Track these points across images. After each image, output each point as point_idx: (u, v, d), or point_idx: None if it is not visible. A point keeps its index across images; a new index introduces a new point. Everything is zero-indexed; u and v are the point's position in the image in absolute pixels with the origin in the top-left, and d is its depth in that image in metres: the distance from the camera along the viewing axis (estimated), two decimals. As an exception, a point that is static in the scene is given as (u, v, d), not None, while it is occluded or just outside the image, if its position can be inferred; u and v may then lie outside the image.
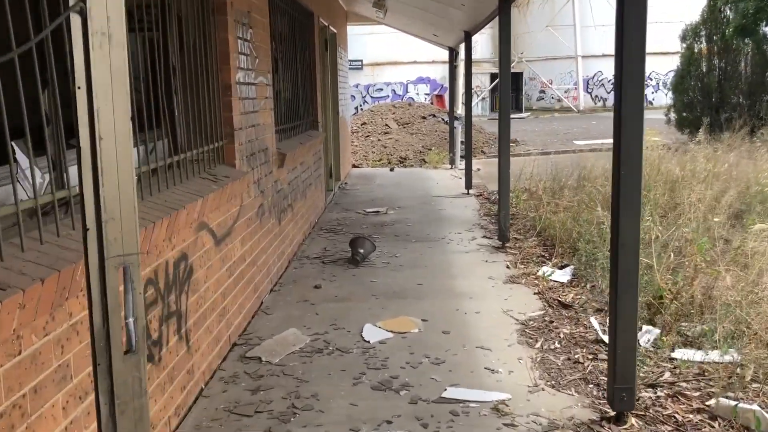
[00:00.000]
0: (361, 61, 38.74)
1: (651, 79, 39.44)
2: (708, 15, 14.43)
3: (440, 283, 6.11)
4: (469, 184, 11.28)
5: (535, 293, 5.76)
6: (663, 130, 18.01)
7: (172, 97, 4.11)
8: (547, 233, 7.47)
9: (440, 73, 39.68)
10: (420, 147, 17.21)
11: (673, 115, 15.59)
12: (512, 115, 32.03)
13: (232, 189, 4.56)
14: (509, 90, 7.36)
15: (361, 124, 19.03)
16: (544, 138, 21.37)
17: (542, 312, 5.28)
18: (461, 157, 15.16)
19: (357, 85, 39.02)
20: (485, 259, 6.93)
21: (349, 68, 38.57)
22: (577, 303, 5.45)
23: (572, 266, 6.29)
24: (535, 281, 6.09)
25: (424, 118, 19.15)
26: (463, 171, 12.83)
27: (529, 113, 38.75)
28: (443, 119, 19.20)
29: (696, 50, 14.79)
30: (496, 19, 9.93)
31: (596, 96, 40.26)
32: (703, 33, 14.57)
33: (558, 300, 5.54)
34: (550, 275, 6.05)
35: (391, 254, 7.18)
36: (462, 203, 10.33)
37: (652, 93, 39.59)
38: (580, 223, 6.88)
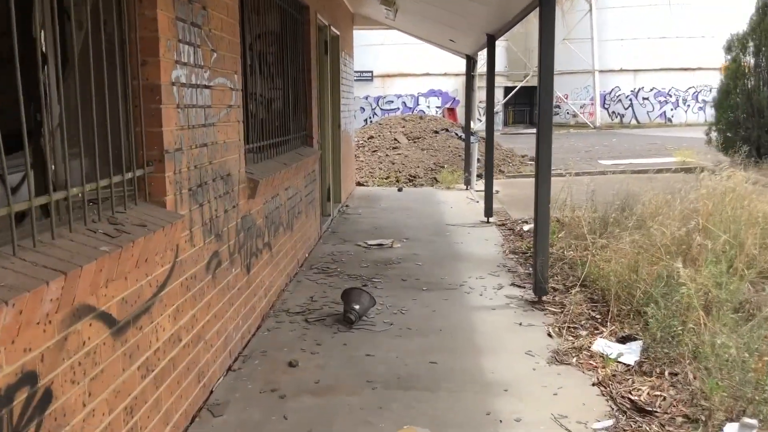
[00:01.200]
0: (371, 72, 37.27)
1: (670, 96, 37.76)
2: (757, 24, 12.74)
3: (461, 361, 4.42)
4: (489, 211, 9.61)
5: (594, 383, 4.07)
6: (701, 149, 16.30)
7: (41, 99, 2.48)
8: (596, 285, 5.79)
9: (452, 85, 38.13)
10: (431, 164, 15.56)
11: (714, 135, 13.87)
12: (525, 130, 30.40)
13: (151, 243, 2.92)
14: (551, 100, 5.71)
15: (368, 138, 17.42)
16: (564, 156, 19.65)
17: (611, 421, 3.59)
18: (477, 176, 13.51)
19: (367, 97, 37.55)
20: (518, 320, 5.24)
21: (359, 79, 37.24)
22: (659, 405, 3.76)
23: (640, 340, 4.60)
24: (591, 362, 4.41)
25: (436, 132, 17.52)
26: (481, 193, 11.17)
27: (543, 128, 37.04)
28: (457, 134, 17.56)
29: (742, 63, 13.08)
30: (513, 28, 8.36)
31: (613, 112, 38.58)
32: (751, 44, 12.87)
33: (630, 399, 3.86)
34: (614, 357, 4.36)
35: (396, 308, 5.51)
36: (482, 235, 8.65)
37: (672, 110, 37.87)
38: (643, 277, 5.19)
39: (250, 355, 4.50)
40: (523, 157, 17.87)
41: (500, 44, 40.28)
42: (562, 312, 5.43)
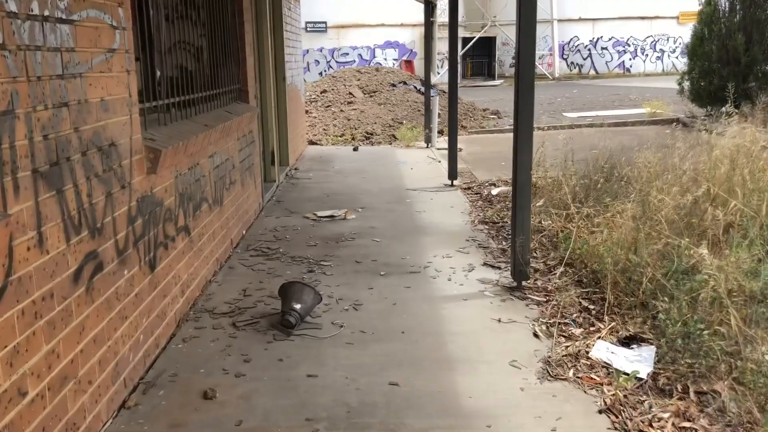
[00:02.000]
0: (325, 23, 35.50)
1: (629, 45, 36.98)
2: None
3: (430, 380, 3.40)
4: (453, 173, 8.55)
5: (601, 410, 3.11)
6: (669, 100, 15.46)
7: None
8: (585, 265, 4.82)
9: (410, 37, 36.62)
10: (389, 120, 14.38)
11: (687, 84, 12.98)
12: (484, 83, 29.04)
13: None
14: (534, 42, 4.60)
15: (321, 92, 16.10)
16: (527, 108, 18.67)
17: (635, 475, 2.63)
18: (439, 132, 12.43)
19: (321, 49, 35.84)
20: (496, 315, 4.24)
21: (312, 30, 35.40)
22: (693, 445, 2.81)
23: (651, 345, 3.64)
24: (593, 375, 3.43)
25: (393, 85, 16.28)
26: (443, 152, 10.12)
27: (502, 81, 36.01)
28: (415, 87, 16.37)
29: (717, 6, 12.11)
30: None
31: (572, 62, 37.63)
32: (727, -15, 11.89)
33: (652, 435, 2.90)
34: (625, 373, 3.38)
35: (348, 302, 4.46)
36: (447, 201, 7.61)
37: (630, 60, 37.15)
38: (645, 259, 4.21)
39: (155, 382, 3.40)
40: (484, 110, 16.81)
41: (458, -7, 38.63)
42: (547, 301, 4.45)
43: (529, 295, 4.55)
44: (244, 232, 6.14)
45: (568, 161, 6.96)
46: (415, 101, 15.49)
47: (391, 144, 12.80)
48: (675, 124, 12.48)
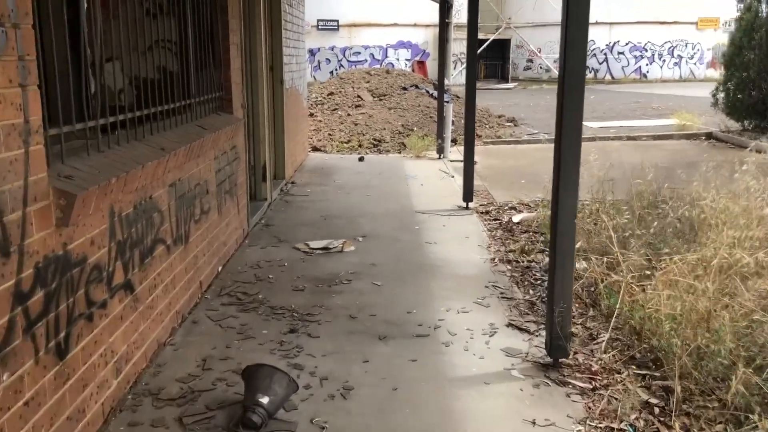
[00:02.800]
0: (337, 21, 34.47)
1: (646, 50, 35.71)
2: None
3: None
4: (469, 194, 7.49)
5: None
6: (700, 110, 14.30)
7: None
8: (640, 336, 3.74)
9: (423, 37, 35.52)
10: (399, 126, 13.31)
11: (721, 96, 11.84)
12: (498, 86, 27.77)
13: None
14: (586, 40, 3.49)
15: (328, 95, 15.04)
16: (545, 116, 17.56)
17: None
18: (452, 142, 11.36)
19: (332, 48, 34.83)
20: (530, 413, 3.16)
21: (324, 28, 34.36)
22: None
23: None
24: None
25: (404, 89, 15.20)
26: (456, 164, 9.11)
27: (516, 84, 34.88)
28: (427, 91, 15.29)
29: (762, 12, 10.96)
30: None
31: (588, 67, 36.35)
32: (771, -11, 10.75)
33: None
34: None
35: (336, 384, 3.40)
36: (461, 228, 6.53)
37: (647, 65, 35.87)
38: (729, 344, 3.13)
39: None
40: (500, 117, 15.71)
41: (472, -6, 37.36)
42: (594, 390, 3.38)
43: (570, 379, 3.48)
44: (219, 268, 5.10)
45: (605, 185, 5.85)
46: (427, 106, 14.41)
47: (400, 153, 11.73)
48: (708, 138, 11.35)
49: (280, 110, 8.30)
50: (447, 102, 10.71)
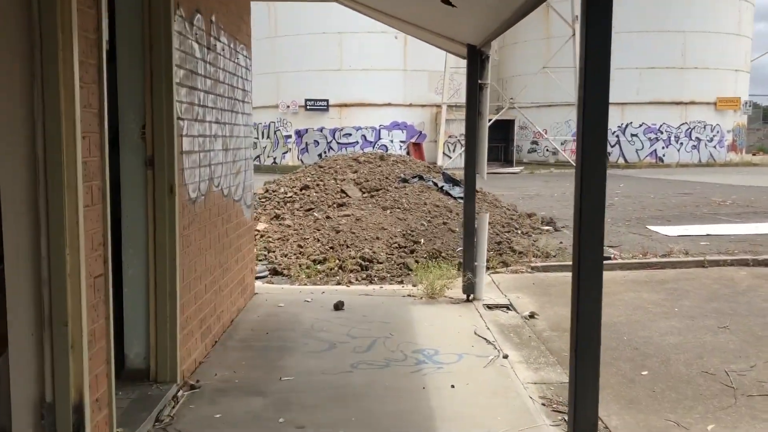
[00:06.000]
0: (327, 101, 30.94)
1: (661, 132, 32.22)
2: None
3: None
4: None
5: None
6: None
7: None
8: None
9: (418, 118, 31.96)
10: (399, 234, 9.06)
11: None
12: (503, 170, 22.73)
13: None
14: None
15: (301, 189, 10.84)
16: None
17: None
18: (487, 269, 7.02)
19: (321, 129, 31.18)
20: None
21: (312, 108, 30.72)
22: None
23: None
24: None
25: (404, 181, 11.04)
26: (500, 316, 4.85)
27: (522, 167, 31.12)
28: (435, 183, 11.14)
29: None
30: None
31: (598, 150, 32.71)
32: None
33: None
34: None
35: None
36: None
37: (663, 148, 32.28)
38: None
39: None
40: (531, 217, 11.51)
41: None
42: None
43: None
44: None
45: None
46: (436, 205, 10.21)
47: (401, 284, 7.38)
48: None
49: (168, 248, 4.01)
50: (467, 199, 6.48)
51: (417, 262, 8.17)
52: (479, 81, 6.39)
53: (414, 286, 7.12)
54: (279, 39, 31.17)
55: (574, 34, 31.02)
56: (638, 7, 30.86)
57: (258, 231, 9.86)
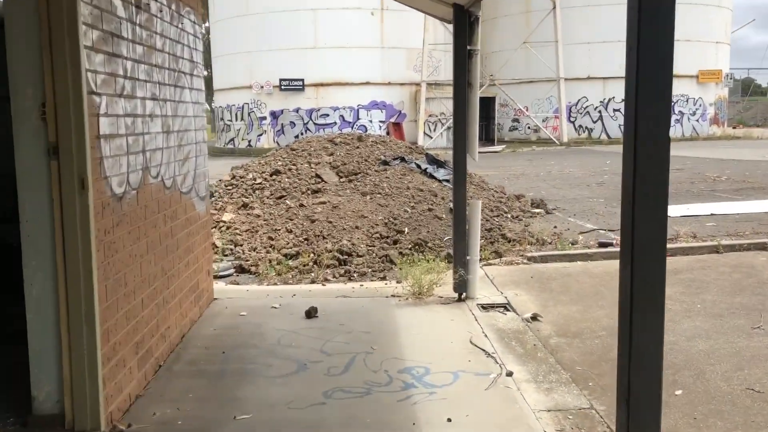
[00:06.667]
0: (302, 80, 29.77)
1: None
2: None
3: None
4: None
5: None
6: None
7: None
8: None
9: (397, 97, 30.92)
10: (380, 223, 8.18)
11: None
12: (485, 149, 21.60)
13: None
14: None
15: (271, 175, 9.88)
16: (576, 193, 12.62)
17: None
18: (481, 260, 6.12)
19: (297, 110, 30.04)
20: None
21: (288, 88, 29.54)
22: None
23: None
24: None
25: (385, 163, 10.13)
26: (499, 320, 4.02)
27: (503, 146, 30.29)
28: (419, 165, 10.24)
29: None
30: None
31: (580, 126, 32.09)
32: None
33: None
34: None
35: None
36: None
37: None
38: None
39: None
40: (519, 199, 10.67)
41: (450, 48, 32.77)
42: None
43: None
44: None
45: None
46: (420, 189, 9.33)
47: (384, 281, 6.50)
48: None
49: (82, 259, 3.09)
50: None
51: (401, 254, 7.31)
52: (468, 47, 5.47)
53: (398, 282, 6.26)
54: (251, 17, 29.87)
55: (554, 8, 30.12)
56: (619, -21, 30.04)
57: (224, 222, 8.91)
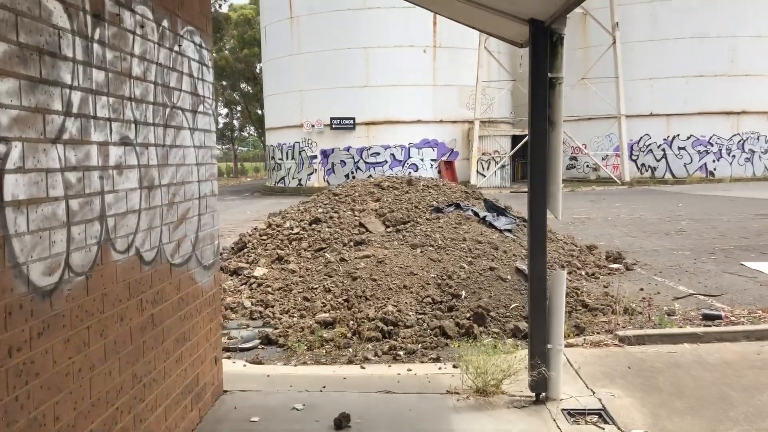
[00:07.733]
0: (353, 119, 28.97)
1: (711, 144, 29.40)
2: None
3: None
4: None
5: None
6: None
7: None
8: None
9: (449, 135, 29.74)
10: (432, 285, 6.84)
11: None
12: None
13: None
14: None
15: (310, 224, 8.71)
16: (655, 243, 10.99)
17: None
18: (561, 344, 4.68)
19: (348, 148, 29.21)
20: None
21: (338, 127, 28.68)
22: None
23: None
24: None
25: (438, 210, 8.83)
26: None
27: (561, 185, 28.47)
28: (476, 213, 8.89)
29: None
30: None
31: (642, 164, 30.14)
32: None
33: None
34: None
35: None
36: None
37: (714, 162, 29.41)
38: None
39: None
40: (592, 250, 9.15)
41: (506, 86, 31.69)
42: None
43: None
44: None
45: None
46: (478, 240, 7.96)
47: (438, 365, 5.13)
48: None
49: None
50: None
51: (458, 324, 5.95)
52: (549, 74, 4.18)
53: (455, 367, 4.89)
54: (302, 56, 29.42)
55: (614, 42, 28.57)
56: (682, 12, 28.34)
57: (255, 278, 7.74)
